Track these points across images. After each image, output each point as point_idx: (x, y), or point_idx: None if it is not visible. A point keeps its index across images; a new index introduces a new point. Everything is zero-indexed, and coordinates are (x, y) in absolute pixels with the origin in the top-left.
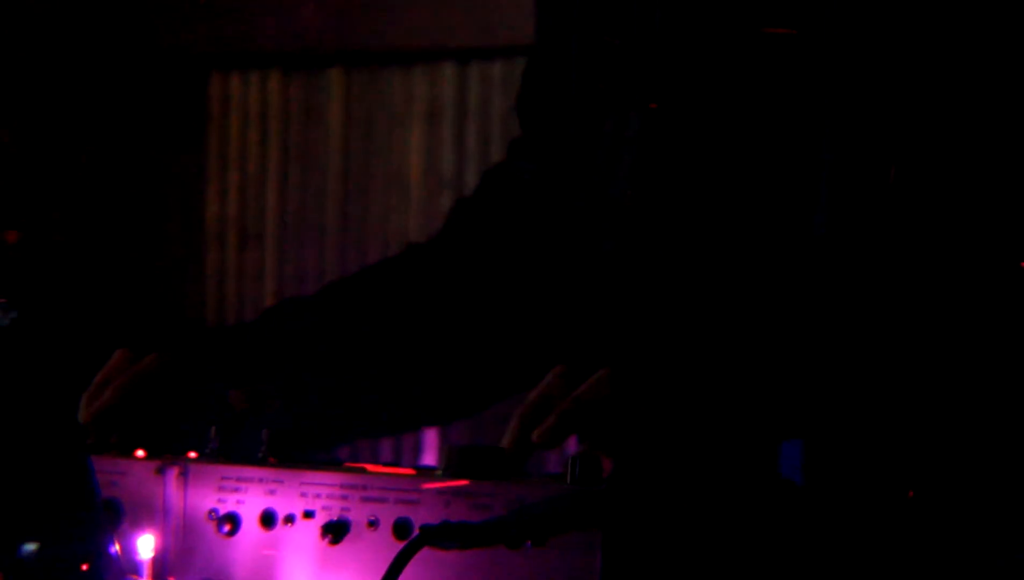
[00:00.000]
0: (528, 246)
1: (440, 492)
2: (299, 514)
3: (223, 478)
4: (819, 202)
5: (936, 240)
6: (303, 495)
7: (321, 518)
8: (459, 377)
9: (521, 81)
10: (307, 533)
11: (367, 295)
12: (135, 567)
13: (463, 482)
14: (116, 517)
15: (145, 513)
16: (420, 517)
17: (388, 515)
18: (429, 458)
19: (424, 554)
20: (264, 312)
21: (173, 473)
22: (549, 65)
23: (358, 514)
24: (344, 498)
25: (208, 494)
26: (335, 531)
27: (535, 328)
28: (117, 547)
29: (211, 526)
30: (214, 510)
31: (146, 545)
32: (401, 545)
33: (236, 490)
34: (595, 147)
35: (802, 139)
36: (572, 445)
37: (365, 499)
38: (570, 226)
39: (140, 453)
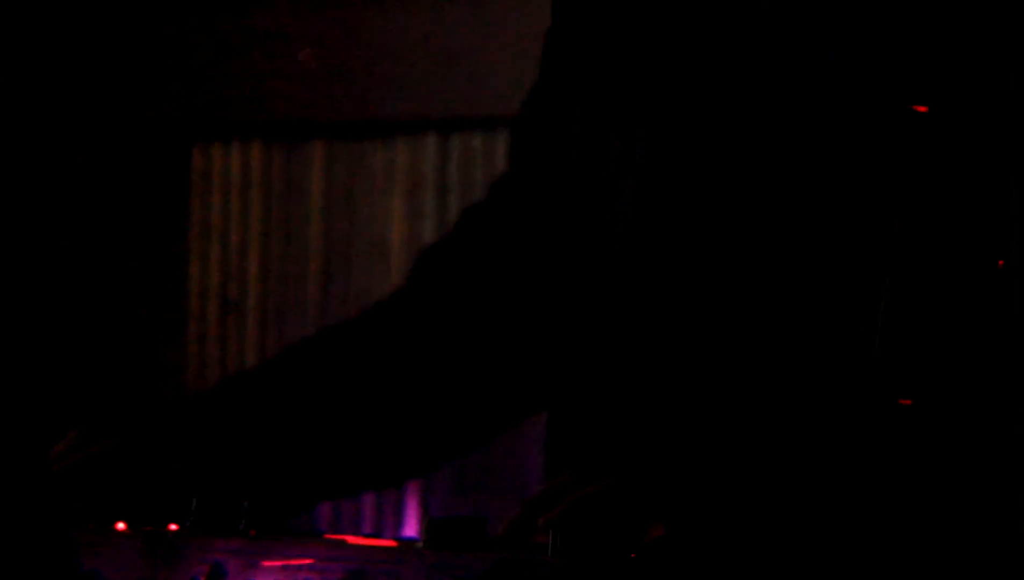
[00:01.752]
0: (519, 275)
1: (421, 564)
2: None
3: (203, 550)
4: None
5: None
6: (284, 568)
7: None
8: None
9: (521, 109)
10: None
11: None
12: None
13: (444, 553)
14: None
15: None
16: None
17: None
18: (410, 530)
19: None
20: (217, 384)
21: (154, 546)
22: (556, 101)
23: None
24: (324, 571)
25: (189, 567)
26: None
27: (518, 369)
28: None
29: None
30: None
31: None
32: None
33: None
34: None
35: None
36: None
37: (346, 571)
38: (566, 253)
39: (121, 525)
